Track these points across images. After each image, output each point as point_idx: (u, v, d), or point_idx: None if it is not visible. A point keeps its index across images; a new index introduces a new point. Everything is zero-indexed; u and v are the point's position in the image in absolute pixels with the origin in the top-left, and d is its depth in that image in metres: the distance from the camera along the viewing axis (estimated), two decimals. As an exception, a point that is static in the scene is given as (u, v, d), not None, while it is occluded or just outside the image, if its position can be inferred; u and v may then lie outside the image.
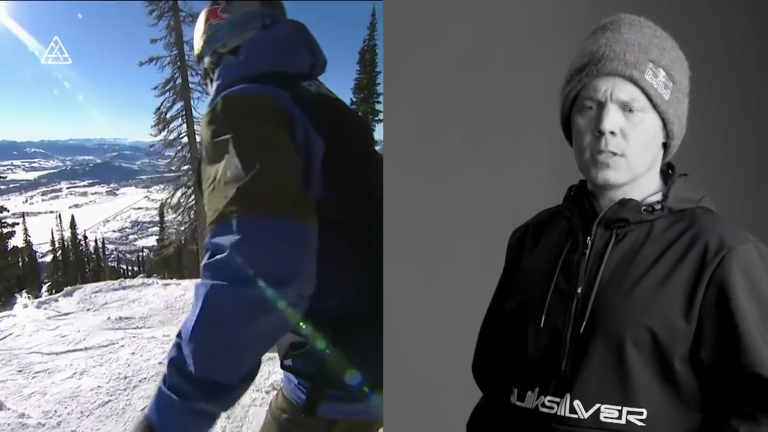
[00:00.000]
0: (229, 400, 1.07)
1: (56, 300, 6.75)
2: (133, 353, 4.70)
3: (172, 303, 6.29)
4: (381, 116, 22.80)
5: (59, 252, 45.19)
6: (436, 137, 2.14)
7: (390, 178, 1.84)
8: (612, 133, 1.14)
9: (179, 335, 1.04)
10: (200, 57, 1.60)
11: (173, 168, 19.39)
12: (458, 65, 2.11)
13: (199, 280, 1.06)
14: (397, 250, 1.90)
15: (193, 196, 19.09)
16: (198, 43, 1.58)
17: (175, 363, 1.02)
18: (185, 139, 18.82)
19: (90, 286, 7.32)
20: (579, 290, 1.20)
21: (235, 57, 1.43)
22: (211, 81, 1.52)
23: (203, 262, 1.05)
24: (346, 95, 22.42)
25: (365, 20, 24.00)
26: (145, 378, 4.21)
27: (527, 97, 2.05)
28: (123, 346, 4.90)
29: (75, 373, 4.29)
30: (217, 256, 1.02)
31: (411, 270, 2.10)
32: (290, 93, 1.30)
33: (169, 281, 8.11)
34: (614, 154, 1.15)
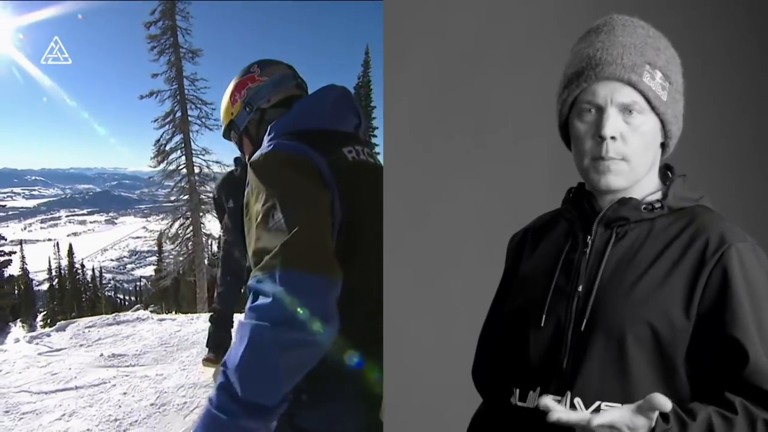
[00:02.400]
0: (269, 417, 1.23)
1: (48, 335, 6.64)
2: (125, 393, 4.58)
3: (167, 339, 6.18)
4: (377, 149, 23.61)
5: (56, 281, 44.87)
6: (435, 136, 2.14)
7: (390, 177, 1.87)
8: (613, 138, 1.15)
9: (224, 364, 1.22)
10: (231, 123, 1.82)
11: (172, 198, 19.44)
12: (458, 64, 2.12)
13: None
14: (397, 250, 1.90)
15: (191, 228, 19.11)
16: (234, 108, 1.80)
17: (224, 387, 1.20)
18: (184, 171, 18.90)
19: (84, 321, 7.22)
20: (580, 289, 1.20)
21: (287, 113, 1.62)
22: (249, 137, 1.79)
23: (249, 304, 1.24)
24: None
25: (359, 57, 24.74)
26: (136, 421, 4.09)
27: (527, 95, 2.03)
28: (115, 385, 4.79)
29: (64, 414, 4.17)
30: (261, 301, 1.21)
31: (411, 270, 2.09)
32: (327, 159, 1.47)
33: (164, 316, 8.01)
34: (615, 159, 1.16)
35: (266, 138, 1.60)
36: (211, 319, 4.44)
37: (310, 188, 1.41)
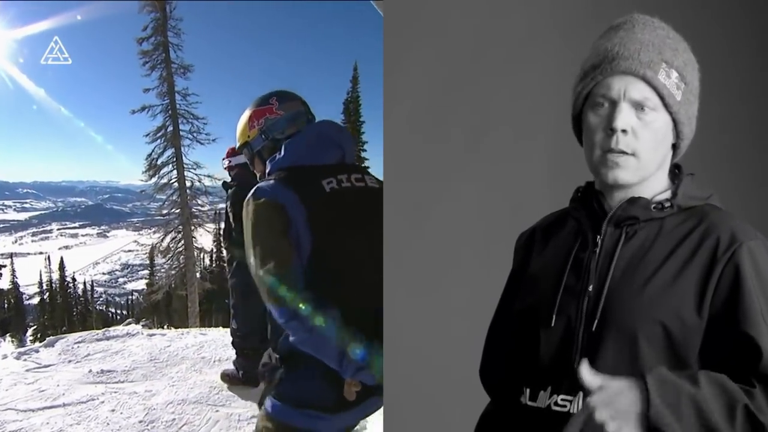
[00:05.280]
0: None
1: (37, 351, 6.56)
2: (113, 410, 4.53)
3: (157, 355, 6.13)
4: (367, 163, 24.02)
5: (47, 294, 44.62)
6: (435, 137, 2.14)
7: (390, 177, 1.96)
8: (624, 131, 1.15)
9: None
10: (247, 143, 2.10)
11: (164, 212, 19.39)
12: (457, 64, 2.12)
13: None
14: (397, 250, 1.93)
15: (182, 242, 19.04)
16: (251, 132, 2.08)
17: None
18: (176, 184, 18.88)
19: (73, 336, 7.14)
20: (590, 288, 1.20)
21: (279, 153, 1.95)
22: (260, 159, 2.08)
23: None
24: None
25: (348, 73, 25.06)
26: (124, 438, 4.06)
27: (527, 95, 2.05)
28: (103, 402, 4.73)
29: (51, 432, 4.13)
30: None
31: (411, 270, 2.09)
32: (300, 193, 1.80)
33: (154, 331, 7.94)
34: (625, 153, 1.16)
35: (267, 169, 1.97)
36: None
37: (274, 228, 1.78)
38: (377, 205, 1.95)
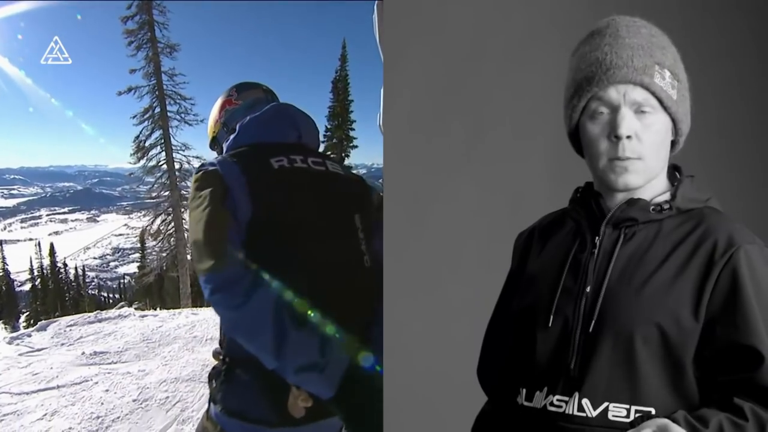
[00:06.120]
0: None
1: (29, 335, 6.59)
2: (107, 390, 4.58)
3: (149, 335, 6.18)
4: (355, 143, 23.89)
5: (38, 281, 44.43)
6: (435, 135, 2.15)
7: (390, 177, 1.98)
8: (628, 137, 1.16)
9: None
10: (214, 138, 2.08)
11: (153, 195, 19.31)
12: (457, 63, 2.13)
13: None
14: (397, 250, 1.93)
15: (173, 224, 19.00)
16: (215, 126, 2.07)
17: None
18: (165, 166, 18.79)
19: (65, 320, 7.18)
20: (588, 289, 1.21)
21: (232, 134, 1.88)
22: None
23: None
24: (320, 122, 23.29)
25: (337, 51, 24.85)
26: (118, 417, 4.10)
27: (526, 94, 2.05)
28: (97, 382, 4.78)
29: (46, 414, 4.17)
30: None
31: (410, 269, 2.10)
32: (242, 166, 1.67)
33: (146, 312, 7.99)
34: (632, 158, 1.17)
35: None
36: None
37: (210, 197, 1.60)
38: (339, 189, 1.81)
